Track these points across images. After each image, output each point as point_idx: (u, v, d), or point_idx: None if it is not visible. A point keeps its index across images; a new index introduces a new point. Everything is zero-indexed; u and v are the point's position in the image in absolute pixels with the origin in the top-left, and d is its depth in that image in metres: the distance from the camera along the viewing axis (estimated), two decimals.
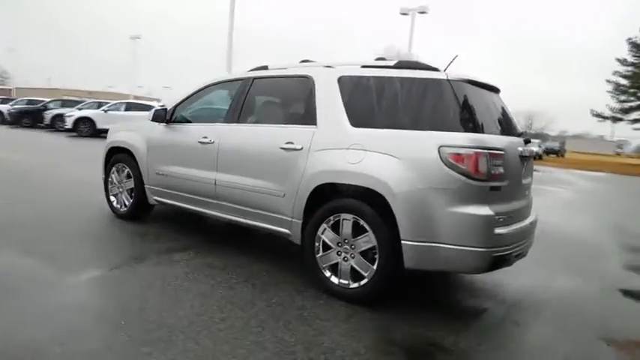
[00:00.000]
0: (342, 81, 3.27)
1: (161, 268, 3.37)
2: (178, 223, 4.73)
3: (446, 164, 2.69)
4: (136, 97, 37.30)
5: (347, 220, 3.00)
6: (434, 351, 2.48)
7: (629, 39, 36.26)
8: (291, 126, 3.40)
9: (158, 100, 19.92)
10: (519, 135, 3.33)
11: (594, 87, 52.23)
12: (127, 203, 4.62)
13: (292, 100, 3.61)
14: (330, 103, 3.24)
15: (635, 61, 36.25)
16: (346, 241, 3.02)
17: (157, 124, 4.33)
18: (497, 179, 2.76)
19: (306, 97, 3.40)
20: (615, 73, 36.93)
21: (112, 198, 4.79)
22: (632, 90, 36.41)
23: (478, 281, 3.66)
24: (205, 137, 3.83)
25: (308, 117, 3.32)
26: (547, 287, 3.72)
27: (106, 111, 17.09)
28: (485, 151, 2.69)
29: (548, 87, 67.01)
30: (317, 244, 3.15)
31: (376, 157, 2.89)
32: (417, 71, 3.08)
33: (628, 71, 36.54)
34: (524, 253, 3.12)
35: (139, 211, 4.60)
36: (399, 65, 3.21)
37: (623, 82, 36.85)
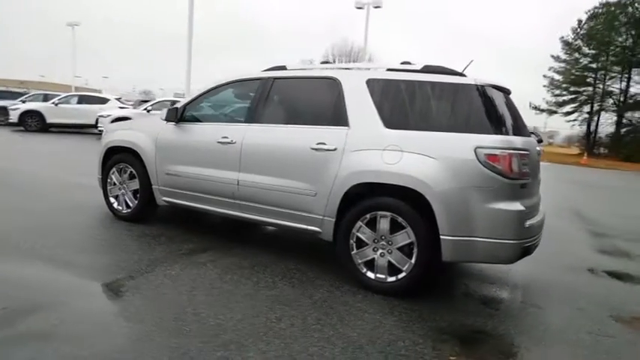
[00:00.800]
0: (370, 84, 3.40)
1: (192, 271, 3.34)
2: (184, 224, 4.66)
3: (482, 164, 2.90)
4: (77, 89, 35.12)
5: (384, 218, 3.15)
6: (482, 337, 2.69)
7: (562, 37, 39.19)
8: (321, 127, 3.47)
9: (112, 95, 18.98)
10: (530, 135, 3.63)
11: (533, 82, 55.60)
12: (130, 204, 4.48)
13: (319, 101, 3.67)
14: (361, 105, 3.35)
15: (567, 58, 39.22)
16: (383, 237, 3.17)
17: (164, 123, 4.23)
18: (525, 177, 3.02)
19: (334, 99, 3.49)
20: (550, 68, 39.84)
21: (112, 200, 4.62)
22: (564, 85, 39.43)
23: (483, 270, 3.95)
24: (225, 137, 3.81)
25: (338, 118, 3.41)
26: (543, 272, 4.08)
27: (56, 104, 15.98)
28: (517, 151, 2.94)
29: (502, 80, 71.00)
30: (351, 241, 3.28)
31: (414, 158, 3.05)
32: (446, 76, 3.27)
33: (561, 67, 39.50)
34: (539, 243, 3.43)
35: (144, 213, 4.47)
36: (426, 69, 3.38)
37: (557, 77, 39.80)
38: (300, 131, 3.54)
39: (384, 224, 3.15)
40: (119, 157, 4.53)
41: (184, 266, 3.43)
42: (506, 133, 3.04)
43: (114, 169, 4.58)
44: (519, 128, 3.51)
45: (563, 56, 39.29)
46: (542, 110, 41.13)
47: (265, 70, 4.05)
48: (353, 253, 3.28)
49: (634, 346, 2.78)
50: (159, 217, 4.72)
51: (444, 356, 2.42)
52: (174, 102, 15.44)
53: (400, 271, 3.13)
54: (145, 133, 4.36)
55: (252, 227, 4.73)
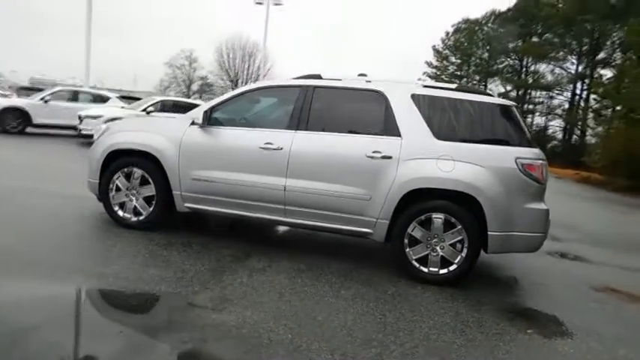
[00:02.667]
0: (415, 98, 3.80)
1: (260, 278, 3.38)
2: (192, 228, 4.50)
3: (522, 172, 3.53)
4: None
5: (438, 218, 3.60)
6: (532, 313, 3.33)
7: (434, 46, 44.09)
8: (373, 136, 3.76)
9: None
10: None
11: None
12: (142, 211, 4.18)
13: (367, 112, 3.94)
14: (411, 117, 3.73)
15: (438, 65, 44.33)
16: (436, 235, 3.62)
17: (186, 125, 4.07)
18: (546, 182, 3.74)
19: (383, 111, 3.81)
20: (424, 73, 44.55)
21: (116, 207, 4.24)
22: None
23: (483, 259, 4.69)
24: (269, 143, 3.84)
25: (389, 129, 3.75)
26: (526, 257, 4.97)
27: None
28: (544, 161, 3.64)
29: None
30: (406, 240, 3.67)
31: (465, 166, 3.55)
32: (478, 95, 3.84)
33: (433, 72, 44.49)
34: None
35: (159, 220, 4.22)
36: (460, 89, 3.91)
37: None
38: (354, 140, 3.79)
39: (437, 224, 3.61)
40: (127, 161, 4.18)
41: (248, 274, 3.43)
42: (533, 146, 3.72)
43: (118, 173, 4.21)
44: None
45: (435, 63, 44.45)
46: None
47: (299, 78, 4.17)
48: (407, 251, 3.67)
49: (621, 308, 3.71)
50: (169, 224, 4.47)
51: (523, 330, 2.98)
52: (76, 92, 13.67)
53: (451, 264, 3.62)
54: (163, 135, 4.11)
55: (260, 229, 4.78)
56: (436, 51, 44.16)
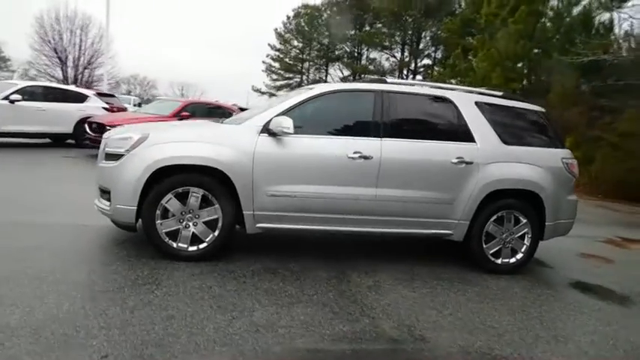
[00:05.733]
0: (479, 106, 4.10)
1: (391, 295, 3.30)
2: (256, 249, 3.98)
3: (566, 170, 4.21)
4: None
5: (510, 215, 4.03)
6: (576, 283, 4.07)
7: (276, 29, 44.69)
8: (453, 143, 3.92)
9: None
10: None
11: (256, 66, 60.09)
12: (203, 239, 3.51)
13: (440, 118, 4.03)
14: (480, 124, 4.02)
15: (281, 47, 45.18)
16: (508, 230, 4.05)
17: (255, 134, 3.55)
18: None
19: (455, 118, 4.00)
20: (268, 55, 44.92)
21: (166, 238, 3.46)
22: (280, 71, 45.45)
23: None
24: (358, 152, 3.66)
25: (464, 135, 3.97)
26: None
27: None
28: (575, 160, 4.38)
29: (224, 65, 72.64)
30: (484, 237, 4.01)
31: (529, 167, 4.05)
32: (521, 103, 4.36)
33: (276, 55, 45.18)
34: None
35: (223, 247, 3.61)
36: (504, 96, 4.36)
37: (274, 64, 45.37)
38: (438, 146, 3.89)
39: (509, 220, 4.04)
40: (182, 179, 3.43)
41: (375, 294, 3.30)
42: (565, 147, 4.42)
43: (169, 195, 3.43)
44: None
45: (278, 45, 45.10)
46: (263, 93, 46.15)
47: (365, 82, 4.03)
48: (485, 247, 4.02)
49: (608, 266, 4.79)
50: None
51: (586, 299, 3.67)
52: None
53: (518, 253, 4.11)
54: (230, 146, 3.49)
55: (295, 239, 4.51)
56: (278, 34, 44.86)
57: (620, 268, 4.87)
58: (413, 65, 40.15)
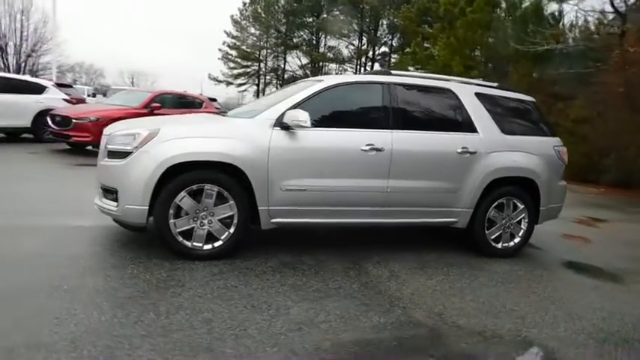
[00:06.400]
0: (479, 97, 4.22)
1: (415, 284, 3.37)
2: (265, 244, 3.92)
3: (558, 157, 4.44)
4: None
5: (509, 201, 4.21)
6: (566, 262, 4.35)
7: (232, 16, 43.56)
8: (457, 133, 4.02)
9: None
10: None
11: (211, 54, 58.30)
12: (218, 237, 3.42)
13: (443, 109, 4.10)
14: (481, 114, 4.15)
15: (238, 35, 44.15)
16: (508, 216, 4.24)
17: (268, 128, 3.48)
18: None
19: (458, 108, 4.10)
20: (224, 43, 43.74)
21: (180, 237, 3.34)
22: (237, 59, 44.44)
23: None
24: (370, 144, 3.67)
25: (467, 125, 4.08)
26: None
27: None
28: (565, 147, 4.62)
29: (177, 53, 69.68)
30: (486, 224, 4.17)
31: (527, 156, 4.24)
32: (514, 93, 4.53)
33: (233, 43, 44.09)
34: None
35: (238, 244, 3.53)
36: (500, 87, 4.51)
37: (230, 52, 44.28)
38: (444, 137, 3.98)
39: (508, 206, 4.23)
40: (197, 176, 3.31)
41: (372, 277, 3.37)
42: (555, 135, 4.65)
43: (183, 193, 3.30)
44: None
45: (235, 33, 43.99)
46: (220, 81, 45.01)
47: (370, 74, 4.03)
48: (487, 232, 4.19)
49: (588, 245, 5.14)
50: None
51: (582, 278, 3.94)
52: None
53: (516, 237, 4.31)
54: (245, 141, 3.40)
55: (307, 233, 4.49)
56: (234, 21, 43.74)
57: (599, 247, 5.23)
58: (371, 53, 40.57)
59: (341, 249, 4.01)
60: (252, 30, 44.29)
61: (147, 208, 3.26)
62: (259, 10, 43.47)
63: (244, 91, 46.46)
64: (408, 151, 3.83)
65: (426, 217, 4.01)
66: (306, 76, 42.46)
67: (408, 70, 25.74)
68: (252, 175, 3.41)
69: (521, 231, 4.33)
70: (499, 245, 4.26)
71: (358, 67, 41.72)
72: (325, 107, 3.75)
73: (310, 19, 41.19)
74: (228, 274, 3.22)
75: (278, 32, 43.47)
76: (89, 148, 9.01)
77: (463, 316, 2.90)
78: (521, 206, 4.27)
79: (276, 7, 42.81)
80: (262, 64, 44.98)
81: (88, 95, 18.79)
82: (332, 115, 3.77)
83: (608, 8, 15.39)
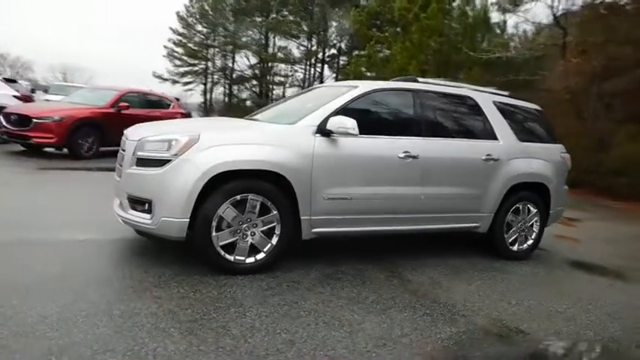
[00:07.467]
0: (496, 105, 4.36)
1: (448, 284, 3.40)
2: (294, 254, 3.77)
3: (563, 163, 4.69)
4: None
5: (524, 206, 4.39)
6: (568, 263, 4.62)
7: (178, 12, 41.97)
8: (481, 141, 4.12)
9: None
10: None
11: (157, 51, 55.20)
12: (261, 249, 3.24)
13: (466, 116, 4.18)
14: (500, 122, 4.28)
15: (185, 32, 42.59)
16: (523, 220, 4.41)
17: (311, 135, 3.36)
18: None
19: (480, 116, 4.20)
20: (170, 40, 42.01)
21: (222, 251, 3.12)
22: (184, 57, 42.86)
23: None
24: (407, 152, 3.66)
25: (488, 133, 4.19)
26: None
27: None
28: (569, 154, 4.88)
29: (118, 48, 65.05)
30: (505, 227, 4.31)
31: (541, 162, 4.44)
32: (524, 102, 4.73)
33: (179, 40, 42.47)
34: None
35: (280, 256, 3.36)
36: (511, 95, 4.68)
37: (177, 49, 42.61)
38: (470, 144, 4.06)
39: (524, 211, 4.40)
40: (241, 186, 3.11)
41: (416, 285, 3.37)
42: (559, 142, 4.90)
43: (226, 204, 3.08)
44: None
45: (181, 30, 42.34)
46: (166, 79, 43.13)
47: (397, 81, 4.05)
48: (506, 236, 4.33)
49: (580, 245, 5.49)
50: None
51: (596, 278, 4.21)
52: None
53: (529, 239, 4.50)
54: (288, 148, 3.24)
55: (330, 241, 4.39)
56: (181, 17, 42.11)
57: (589, 246, 5.58)
58: (321, 54, 40.82)
59: (373, 257, 3.96)
60: (200, 27, 42.96)
61: (187, 220, 3.01)
62: (206, 7, 42.26)
63: (191, 90, 44.96)
64: (440, 158, 3.86)
65: (453, 222, 4.07)
66: (255, 76, 41.95)
67: (364, 73, 26.04)
68: (296, 184, 3.26)
69: (534, 233, 4.53)
70: (515, 248, 4.42)
71: (308, 67, 41.84)
72: (362, 114, 3.67)
73: (259, 19, 40.58)
74: (278, 288, 3.06)
75: (226, 31, 42.46)
76: (48, 149, 8.28)
77: (521, 321, 2.96)
78: (534, 210, 4.46)
79: (224, 5, 41.79)
80: (210, 63, 43.75)
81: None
82: (369, 121, 3.70)
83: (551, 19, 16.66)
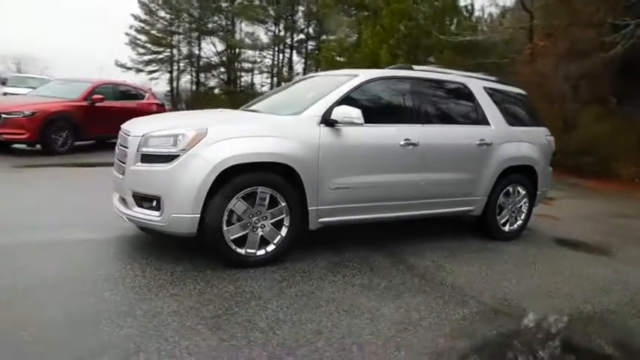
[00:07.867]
0: (486, 90, 4.48)
1: (451, 267, 3.53)
2: (303, 243, 3.79)
3: (549, 145, 4.89)
4: None
5: (516, 188, 4.56)
6: (559, 240, 4.86)
7: None
8: (474, 126, 4.24)
9: None
10: None
11: (119, 38, 52.59)
12: (271, 241, 3.25)
13: (461, 103, 4.27)
14: (491, 107, 4.41)
15: (147, 19, 41.03)
16: (514, 201, 4.59)
17: (315, 125, 3.37)
18: None
19: (472, 102, 4.32)
20: (132, 27, 40.37)
21: (233, 245, 3.11)
22: (147, 44, 41.36)
23: None
24: (408, 139, 3.73)
25: (480, 118, 4.32)
26: None
27: None
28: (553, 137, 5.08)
29: (74, 36, 61.10)
30: (497, 209, 4.48)
31: (528, 145, 4.61)
32: (510, 87, 4.88)
33: (142, 27, 40.90)
34: None
35: (288, 247, 3.39)
36: (498, 81, 4.81)
37: (139, 36, 41.05)
38: (464, 130, 4.17)
39: (515, 193, 4.58)
40: (251, 179, 3.09)
41: (422, 270, 3.49)
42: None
43: (236, 198, 3.07)
44: None
45: (144, 16, 40.75)
46: (129, 68, 41.56)
47: (394, 68, 4.09)
48: (498, 217, 4.50)
49: (560, 223, 5.77)
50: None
51: (582, 254, 4.46)
52: None
53: (518, 220, 4.69)
54: (295, 140, 3.24)
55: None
56: (142, 3, 40.46)
57: (569, 223, 5.87)
58: (289, 40, 40.33)
59: (373, 243, 4.04)
60: (163, 14, 41.43)
61: (199, 216, 2.99)
62: None
63: (156, 79, 43.55)
64: (438, 144, 3.96)
65: (450, 207, 4.20)
66: (222, 63, 41.05)
67: (335, 58, 25.85)
68: (304, 175, 3.28)
69: (523, 214, 4.72)
70: (506, 229, 4.61)
71: (276, 53, 41.30)
72: (364, 102, 3.70)
73: (225, 4, 39.57)
74: (292, 279, 3.09)
75: (191, 17, 41.18)
76: (18, 146, 7.92)
77: (523, 299, 3.11)
78: (523, 192, 4.65)
79: None
80: (175, 51, 42.38)
81: None
82: (371, 110, 3.71)
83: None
